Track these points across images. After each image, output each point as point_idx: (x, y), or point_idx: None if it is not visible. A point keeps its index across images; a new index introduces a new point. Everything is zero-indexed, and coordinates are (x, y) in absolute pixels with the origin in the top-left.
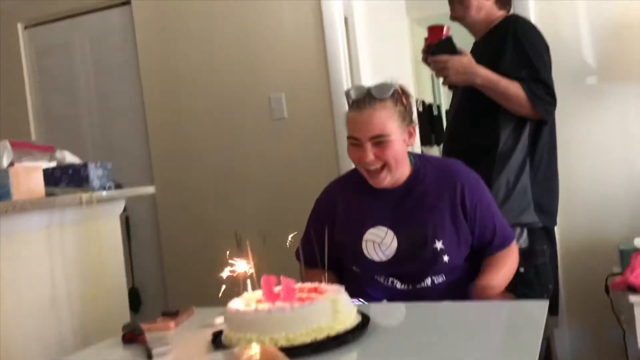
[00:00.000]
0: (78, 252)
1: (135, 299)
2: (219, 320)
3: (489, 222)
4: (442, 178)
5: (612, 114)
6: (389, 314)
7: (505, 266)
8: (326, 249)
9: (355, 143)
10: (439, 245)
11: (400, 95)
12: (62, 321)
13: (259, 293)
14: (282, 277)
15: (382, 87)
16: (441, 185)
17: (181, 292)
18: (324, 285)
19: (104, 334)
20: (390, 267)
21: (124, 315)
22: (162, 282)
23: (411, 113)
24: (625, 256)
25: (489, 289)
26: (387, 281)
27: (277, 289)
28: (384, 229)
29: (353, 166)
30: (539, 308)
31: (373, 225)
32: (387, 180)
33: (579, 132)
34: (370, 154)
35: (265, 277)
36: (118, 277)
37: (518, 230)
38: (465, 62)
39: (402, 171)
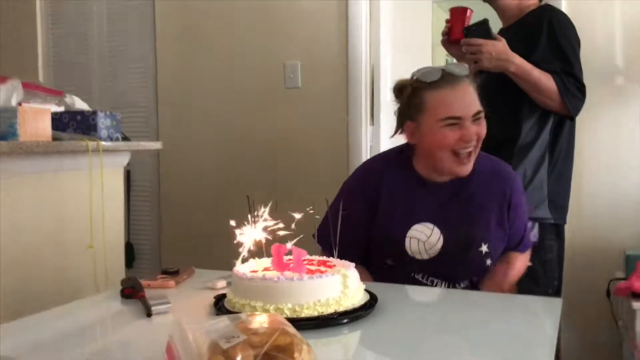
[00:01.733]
0: (79, 201)
1: (129, 254)
2: (221, 283)
3: (521, 224)
4: (494, 179)
5: (634, 118)
6: (398, 295)
7: (515, 269)
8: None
9: (453, 123)
10: (484, 248)
11: (472, 74)
12: (59, 268)
13: (267, 261)
14: (293, 247)
15: (457, 66)
16: (492, 186)
17: (176, 252)
18: (333, 260)
19: (99, 286)
20: (431, 266)
21: (120, 269)
22: (157, 239)
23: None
24: (631, 262)
25: (497, 288)
26: (426, 279)
27: (286, 258)
28: (431, 226)
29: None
30: (553, 304)
31: (419, 220)
32: (471, 164)
33: (597, 131)
34: (473, 132)
35: (276, 246)
36: (117, 229)
37: (530, 223)
38: (500, 48)
39: None
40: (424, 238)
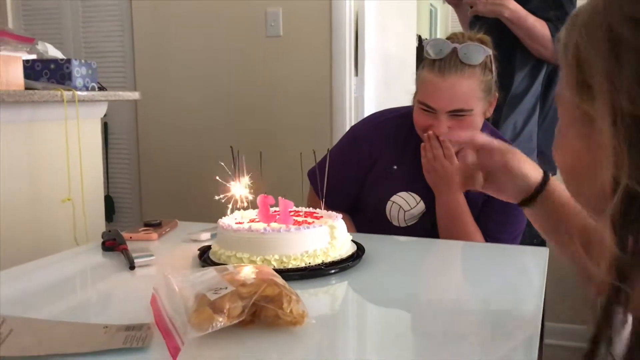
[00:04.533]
0: (55, 153)
1: (109, 208)
2: (205, 235)
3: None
4: None
5: None
6: (386, 246)
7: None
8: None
9: (427, 110)
10: None
11: (491, 62)
12: (36, 222)
13: (252, 212)
14: (280, 198)
15: (474, 50)
16: None
17: (157, 206)
18: (320, 211)
19: (79, 240)
20: (406, 232)
21: (100, 223)
22: (137, 193)
23: (495, 80)
24: None
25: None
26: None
27: (272, 210)
28: (417, 198)
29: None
30: (540, 253)
31: (407, 189)
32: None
33: None
34: (443, 127)
35: (262, 197)
36: (95, 183)
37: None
38: None
39: None
40: (407, 207)
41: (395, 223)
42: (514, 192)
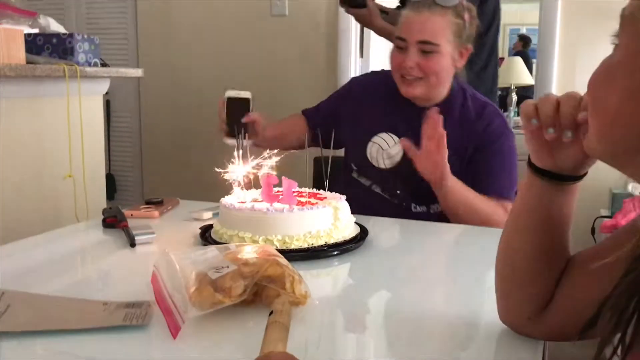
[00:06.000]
0: (57, 129)
1: (110, 186)
2: (207, 214)
3: (494, 168)
4: (472, 117)
5: None
6: (389, 228)
7: (482, 204)
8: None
9: (400, 45)
10: None
11: (463, 9)
12: (37, 198)
13: (255, 192)
14: (283, 178)
15: None
16: (467, 124)
17: (158, 184)
18: (324, 192)
19: (79, 217)
20: (390, 179)
21: (101, 200)
22: (139, 171)
23: (470, 33)
24: (617, 200)
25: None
26: (385, 193)
27: (275, 190)
28: (396, 139)
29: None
30: None
31: (387, 130)
32: (418, 91)
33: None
34: (412, 60)
35: (265, 176)
36: (97, 159)
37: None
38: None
39: (439, 91)
40: (385, 146)
41: (375, 164)
42: None
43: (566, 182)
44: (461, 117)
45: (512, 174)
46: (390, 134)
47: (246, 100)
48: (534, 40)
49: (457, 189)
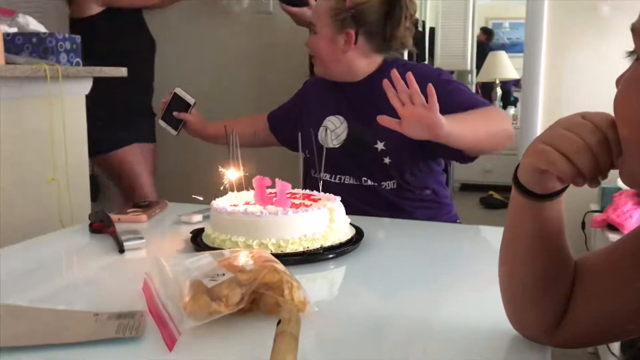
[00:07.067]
0: (38, 131)
1: (94, 187)
2: (197, 217)
3: (459, 99)
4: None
5: (616, 51)
6: (385, 230)
7: (474, 116)
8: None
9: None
10: (380, 146)
11: None
12: (19, 203)
13: (247, 194)
14: (277, 180)
15: None
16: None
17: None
18: (318, 193)
19: (64, 222)
20: (338, 159)
21: (86, 205)
22: None
23: (357, 18)
24: (607, 195)
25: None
26: (335, 178)
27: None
28: (342, 119)
29: None
30: None
31: (333, 113)
32: (318, 70)
33: (578, 63)
34: (308, 40)
35: (258, 178)
36: (81, 162)
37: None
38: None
39: (338, 69)
40: (332, 127)
41: (325, 144)
42: None
43: (558, 195)
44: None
45: (470, 91)
46: (337, 116)
47: (187, 104)
48: (516, 34)
49: (457, 124)
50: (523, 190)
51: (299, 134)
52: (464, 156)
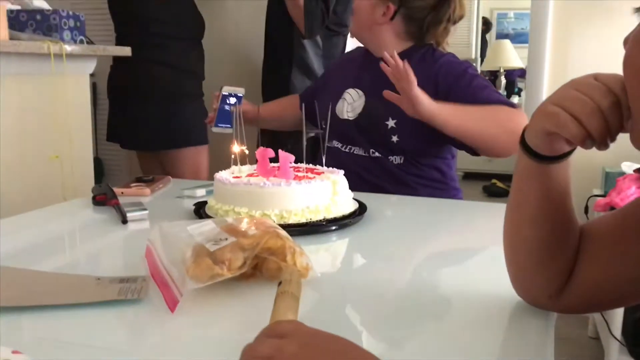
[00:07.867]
0: (42, 109)
1: (98, 169)
2: (200, 192)
3: (473, 91)
4: (421, 65)
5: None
6: (388, 204)
7: (478, 110)
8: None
9: None
10: (391, 123)
11: None
12: (23, 180)
13: (249, 167)
14: (280, 151)
15: None
16: (417, 71)
17: (146, 170)
18: (320, 167)
19: (67, 198)
20: (351, 130)
21: (89, 183)
22: (127, 156)
23: None
24: (610, 179)
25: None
26: (345, 148)
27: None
28: (360, 92)
29: None
30: None
31: (354, 86)
32: (352, 28)
33: (584, 48)
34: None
35: (261, 150)
36: (84, 141)
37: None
38: None
39: (367, 37)
40: (350, 100)
41: (340, 116)
42: None
43: (566, 157)
44: (420, 65)
45: (492, 89)
46: (357, 89)
47: (237, 97)
48: (521, 24)
49: (448, 110)
50: (530, 152)
51: (315, 102)
52: (469, 148)
